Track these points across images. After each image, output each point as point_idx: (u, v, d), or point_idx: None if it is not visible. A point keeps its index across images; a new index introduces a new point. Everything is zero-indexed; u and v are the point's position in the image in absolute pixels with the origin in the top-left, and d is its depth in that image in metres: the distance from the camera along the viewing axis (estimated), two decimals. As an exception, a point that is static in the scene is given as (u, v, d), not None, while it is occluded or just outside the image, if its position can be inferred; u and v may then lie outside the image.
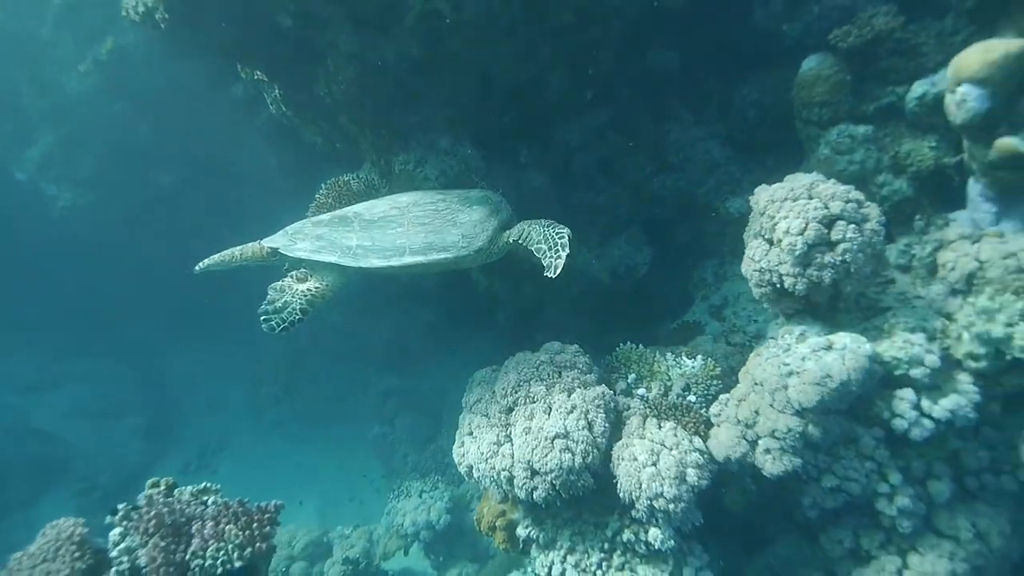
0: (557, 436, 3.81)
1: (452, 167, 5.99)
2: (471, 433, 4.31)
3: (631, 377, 4.43)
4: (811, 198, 3.53)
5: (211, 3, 4.57)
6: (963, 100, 3.36)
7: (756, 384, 3.65)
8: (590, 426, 3.91)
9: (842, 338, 3.48)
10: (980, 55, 3.23)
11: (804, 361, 3.44)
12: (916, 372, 3.37)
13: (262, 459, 12.96)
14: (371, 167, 6.37)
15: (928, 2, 4.48)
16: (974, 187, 3.89)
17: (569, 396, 4.05)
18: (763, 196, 3.77)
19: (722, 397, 3.93)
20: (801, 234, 3.43)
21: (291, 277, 4.40)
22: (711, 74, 6.92)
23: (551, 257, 4.25)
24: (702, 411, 3.99)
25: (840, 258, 3.41)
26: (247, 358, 13.07)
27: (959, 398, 3.33)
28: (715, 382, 4.15)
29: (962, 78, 3.32)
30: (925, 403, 3.38)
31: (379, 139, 5.91)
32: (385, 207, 4.61)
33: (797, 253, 3.46)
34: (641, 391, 4.32)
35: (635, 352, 4.57)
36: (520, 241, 4.55)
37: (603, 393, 4.11)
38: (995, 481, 3.61)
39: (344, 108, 5.54)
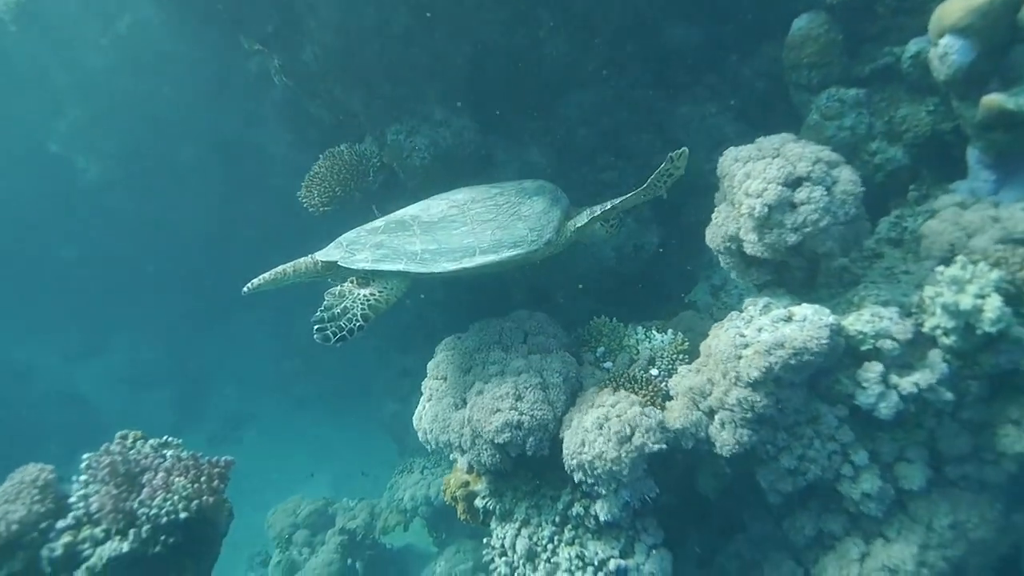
0: (506, 396, 3.71)
1: (445, 138, 5.93)
2: (430, 398, 4.25)
3: (599, 350, 4.29)
4: (777, 158, 3.31)
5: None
6: (945, 53, 3.07)
7: (712, 355, 3.46)
8: (544, 388, 3.79)
9: (804, 309, 3.25)
10: (963, 1, 2.94)
11: (760, 332, 3.24)
12: (884, 345, 3.12)
13: (285, 432, 13.31)
14: (371, 139, 6.38)
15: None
16: (972, 153, 3.57)
17: (528, 360, 3.95)
18: (728, 157, 3.57)
19: (681, 369, 3.74)
20: (760, 195, 3.22)
21: (350, 282, 4.04)
22: (728, 46, 6.62)
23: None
24: (662, 385, 3.81)
25: (803, 220, 3.18)
26: (278, 331, 13.40)
27: (930, 373, 3.06)
28: (681, 356, 3.95)
29: (944, 28, 3.03)
30: (893, 378, 3.13)
31: (371, 109, 5.90)
32: (443, 206, 4.31)
33: (756, 215, 3.25)
34: (607, 364, 4.16)
35: (607, 325, 4.41)
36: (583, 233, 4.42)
37: (564, 359, 3.98)
38: (978, 471, 3.32)
39: (334, 76, 5.55)
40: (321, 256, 4.15)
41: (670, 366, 3.92)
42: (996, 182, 3.47)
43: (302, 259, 4.24)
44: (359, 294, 3.93)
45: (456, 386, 4.10)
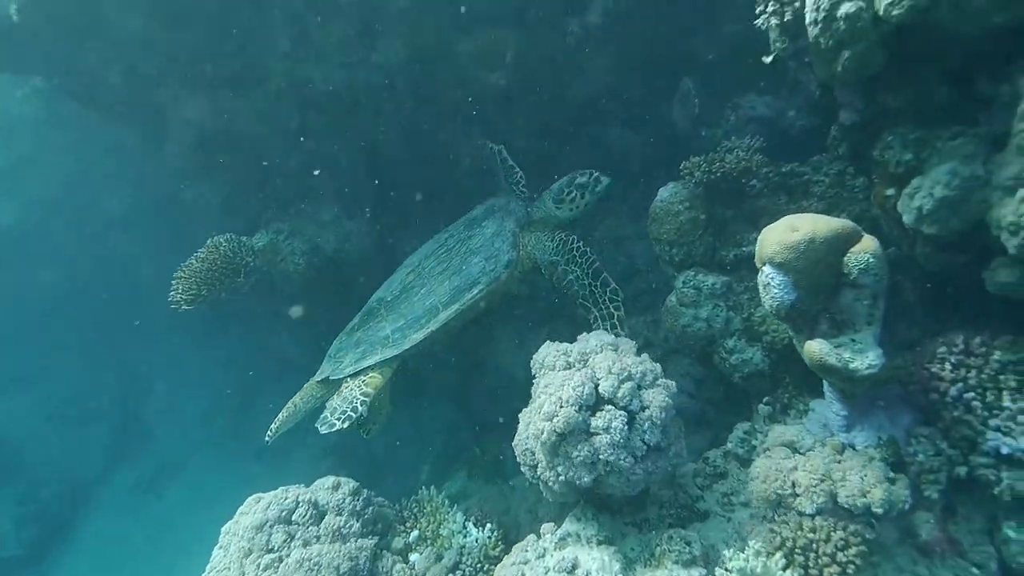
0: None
1: (328, 242, 5.53)
2: (217, 570, 3.70)
3: (413, 535, 3.74)
4: (582, 370, 2.82)
5: (37, 53, 4.32)
6: (767, 284, 2.59)
7: (493, 593, 2.92)
8: (317, 595, 3.25)
9: (590, 561, 2.72)
10: (781, 233, 2.46)
11: (535, 584, 2.70)
12: (673, 627, 2.57)
13: (210, 488, 12.61)
14: (263, 232, 5.98)
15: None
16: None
17: (307, 552, 3.40)
18: (539, 355, 3.09)
19: (473, 592, 3.19)
20: (551, 419, 2.71)
21: (347, 380, 4.09)
22: (658, 160, 6.24)
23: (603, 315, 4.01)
24: (451, 605, 3.26)
25: (594, 457, 2.67)
26: (204, 385, 12.93)
27: (723, 675, 2.49)
28: (488, 565, 3.41)
29: (763, 257, 2.56)
30: (682, 671, 2.56)
31: (251, 205, 5.54)
32: (401, 276, 4.35)
33: (545, 442, 2.74)
34: (414, 557, 3.61)
35: (430, 503, 3.87)
36: (552, 278, 4.26)
37: (354, 555, 3.43)
38: None
39: (203, 168, 5.21)
40: (317, 377, 4.24)
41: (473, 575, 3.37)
42: (847, 419, 2.94)
43: (305, 386, 4.31)
44: (352, 383, 3.99)
45: (230, 571, 3.55)
